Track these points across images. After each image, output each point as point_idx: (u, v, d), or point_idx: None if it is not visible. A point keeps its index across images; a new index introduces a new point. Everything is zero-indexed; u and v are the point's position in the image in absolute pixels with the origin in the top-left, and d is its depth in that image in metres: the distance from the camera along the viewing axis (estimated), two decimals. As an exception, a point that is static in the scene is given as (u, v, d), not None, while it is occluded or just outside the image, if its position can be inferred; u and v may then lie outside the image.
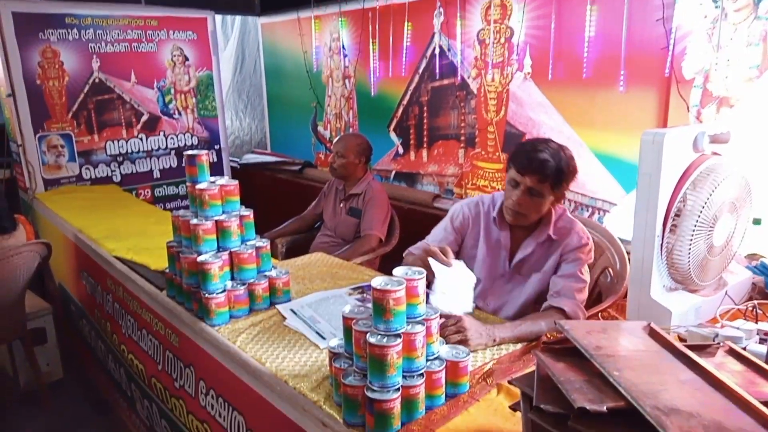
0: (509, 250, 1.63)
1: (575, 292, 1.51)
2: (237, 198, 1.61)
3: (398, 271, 1.09)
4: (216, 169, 4.01)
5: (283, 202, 3.69)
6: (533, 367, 0.85)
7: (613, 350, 0.77)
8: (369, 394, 1.01)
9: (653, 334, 0.85)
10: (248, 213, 1.62)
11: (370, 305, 1.02)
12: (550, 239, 1.59)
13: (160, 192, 3.73)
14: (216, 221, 1.55)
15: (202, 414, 1.53)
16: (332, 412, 1.09)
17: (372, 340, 1.02)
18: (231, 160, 4.38)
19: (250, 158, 4.41)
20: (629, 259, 1.38)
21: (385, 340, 1.01)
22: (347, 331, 1.11)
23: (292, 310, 1.59)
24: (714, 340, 1.09)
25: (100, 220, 2.66)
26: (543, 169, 1.48)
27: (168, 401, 1.74)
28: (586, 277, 1.56)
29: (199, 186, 1.57)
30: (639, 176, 1.25)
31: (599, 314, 1.54)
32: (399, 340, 1.02)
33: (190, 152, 1.61)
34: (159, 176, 3.71)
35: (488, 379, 1.19)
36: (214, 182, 1.59)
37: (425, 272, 1.08)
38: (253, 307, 1.59)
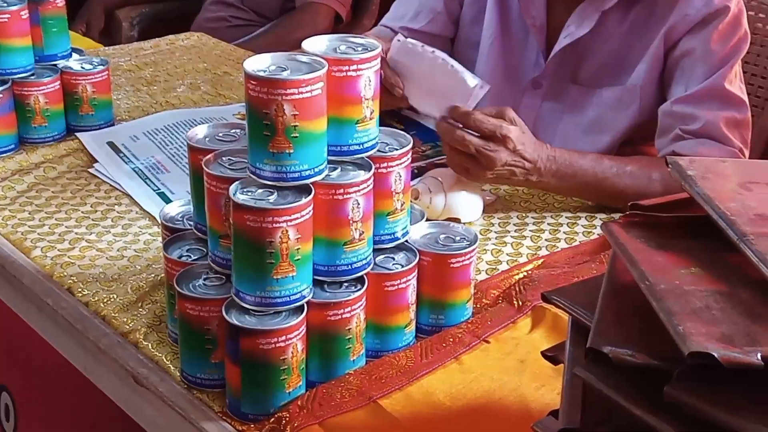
0: (545, 30, 1.67)
1: (725, 126, 1.53)
2: None
3: (315, 43, 1.06)
4: None
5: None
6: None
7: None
8: (232, 317, 0.97)
9: None
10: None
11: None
12: (632, 1, 1.60)
13: None
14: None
15: None
16: (161, 358, 1.11)
17: (241, 198, 0.96)
18: None
19: None
20: None
21: (271, 197, 0.97)
22: (197, 179, 1.07)
23: (111, 145, 1.62)
24: None
25: None
26: None
27: None
28: (740, 88, 1.57)
29: None
30: None
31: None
32: (304, 200, 0.96)
33: None
34: None
35: (517, 296, 1.22)
36: None
37: (378, 48, 1.04)
38: (25, 136, 1.63)
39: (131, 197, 1.44)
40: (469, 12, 1.76)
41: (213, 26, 2.62)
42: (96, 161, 1.55)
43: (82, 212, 1.41)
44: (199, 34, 2.22)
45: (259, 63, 0.98)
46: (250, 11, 2.65)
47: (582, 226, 1.41)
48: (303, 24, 2.52)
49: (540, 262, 1.31)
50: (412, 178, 1.24)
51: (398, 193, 1.06)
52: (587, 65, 1.66)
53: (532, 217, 1.42)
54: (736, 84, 1.56)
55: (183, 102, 1.81)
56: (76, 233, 1.35)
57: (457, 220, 1.32)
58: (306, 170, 0.97)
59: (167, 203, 1.39)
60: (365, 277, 1.04)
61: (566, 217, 1.42)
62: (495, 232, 1.37)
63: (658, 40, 1.59)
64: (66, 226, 1.37)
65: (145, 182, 1.48)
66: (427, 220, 1.19)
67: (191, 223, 1.12)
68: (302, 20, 2.53)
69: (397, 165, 1.06)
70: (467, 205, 1.37)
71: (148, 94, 1.83)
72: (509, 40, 1.72)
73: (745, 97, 1.58)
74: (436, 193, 1.35)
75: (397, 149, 1.06)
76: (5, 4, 1.53)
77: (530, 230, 1.39)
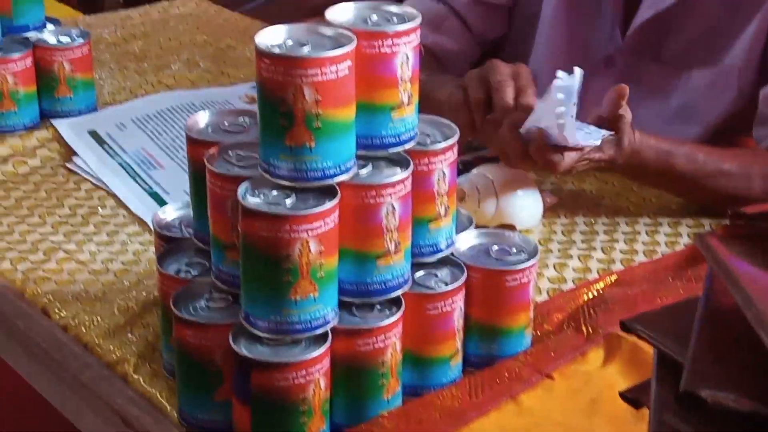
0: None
1: None
2: None
3: (342, 11, 1.04)
4: None
5: None
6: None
7: None
8: (241, 347, 0.98)
9: None
10: None
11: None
12: None
13: None
14: None
15: None
16: (154, 395, 1.11)
17: (251, 201, 0.96)
18: None
19: None
20: None
21: (289, 201, 0.97)
22: (196, 178, 1.08)
23: (94, 135, 1.64)
24: None
25: None
26: None
27: None
28: None
29: None
30: None
31: None
32: (329, 204, 0.96)
33: None
34: None
35: (587, 322, 1.21)
36: None
37: (418, 18, 1.03)
38: None
39: (118, 198, 1.45)
40: None
41: None
42: (75, 154, 1.55)
43: (60, 216, 1.41)
44: None
45: (274, 37, 0.98)
46: None
47: (664, 234, 1.41)
48: None
49: (613, 279, 1.31)
50: (458, 176, 1.23)
51: (442, 195, 1.06)
52: (673, 41, 1.65)
53: (603, 224, 1.43)
54: None
55: (179, 82, 1.82)
56: (52, 242, 1.35)
57: (511, 227, 1.33)
58: (330, 168, 0.97)
59: (161, 205, 1.40)
60: (402, 297, 1.04)
61: (645, 224, 1.43)
62: (558, 242, 1.38)
63: (762, 13, 1.59)
64: (40, 233, 1.37)
65: (135, 180, 1.49)
66: (476, 227, 1.20)
67: (190, 231, 1.12)
68: None
69: (441, 161, 1.06)
70: (524, 208, 1.38)
71: (136, 72, 1.84)
72: (577, 9, 1.72)
73: None
74: (486, 194, 1.36)
75: (440, 141, 1.06)
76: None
77: (601, 240, 1.39)
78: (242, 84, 1.77)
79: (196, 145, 1.07)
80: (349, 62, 0.95)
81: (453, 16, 1.74)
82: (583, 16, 1.71)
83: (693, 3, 1.62)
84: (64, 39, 1.64)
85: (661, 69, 1.68)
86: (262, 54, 0.95)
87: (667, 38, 1.66)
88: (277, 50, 0.95)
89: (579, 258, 1.35)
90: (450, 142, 1.06)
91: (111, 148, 1.57)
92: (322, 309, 0.97)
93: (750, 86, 1.61)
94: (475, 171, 1.39)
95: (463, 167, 1.40)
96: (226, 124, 1.11)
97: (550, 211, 1.42)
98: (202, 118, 1.11)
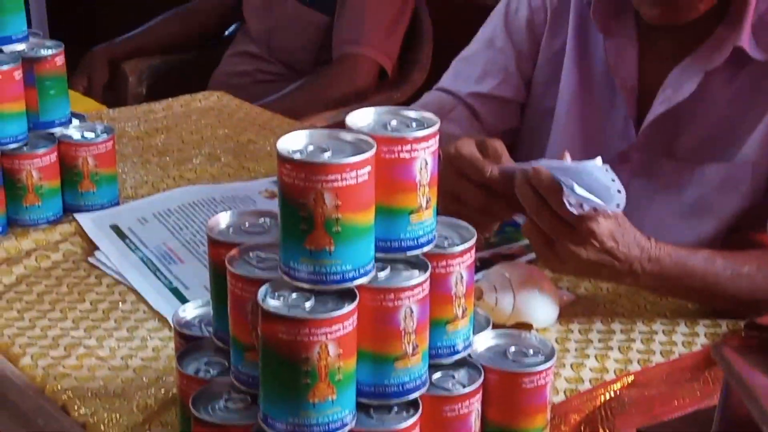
0: (636, 92, 1.67)
1: None
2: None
3: (362, 116, 1.05)
4: None
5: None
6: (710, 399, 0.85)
7: None
8: None
9: None
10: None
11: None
12: (744, 59, 1.60)
13: None
14: None
15: None
16: None
17: (272, 304, 0.95)
18: None
19: None
20: None
21: (308, 304, 0.96)
22: (218, 279, 1.07)
23: (116, 229, 1.63)
24: None
25: None
26: None
27: None
28: None
29: None
30: None
31: None
32: (347, 308, 0.95)
33: None
34: None
35: (604, 423, 1.21)
36: None
37: (436, 123, 1.04)
38: (15, 217, 1.64)
39: (138, 293, 1.44)
40: (543, 72, 1.78)
41: (235, 82, 2.69)
42: (97, 248, 1.55)
43: (81, 311, 1.40)
44: (220, 93, 2.27)
45: (295, 142, 0.98)
46: (279, 64, 2.70)
47: (681, 334, 1.39)
48: (341, 79, 2.57)
49: (631, 379, 1.29)
50: (475, 272, 1.23)
51: (459, 297, 1.05)
52: (687, 136, 1.66)
53: (620, 323, 1.41)
54: None
55: (200, 176, 1.82)
56: (72, 337, 1.34)
57: (528, 327, 1.32)
58: (349, 271, 0.96)
59: (181, 301, 1.41)
60: (419, 400, 1.02)
61: (661, 323, 1.41)
62: (575, 341, 1.36)
63: None
64: (61, 328, 1.36)
65: (155, 275, 1.48)
66: (493, 326, 1.19)
67: (210, 329, 1.12)
68: (340, 75, 2.58)
69: (459, 264, 1.05)
70: (541, 306, 1.37)
71: (158, 166, 1.85)
72: (591, 105, 1.73)
73: None
74: (503, 292, 1.34)
75: (458, 244, 1.05)
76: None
77: (618, 339, 1.37)
78: (263, 179, 1.76)
79: (217, 246, 1.07)
80: (369, 168, 0.95)
81: (462, 106, 1.76)
82: (597, 112, 1.73)
83: (705, 99, 1.62)
84: (89, 134, 1.63)
85: (675, 165, 1.68)
86: (283, 159, 0.94)
87: (680, 134, 1.66)
88: (298, 156, 0.95)
89: (596, 357, 1.33)
90: (468, 245, 1.05)
91: (132, 242, 1.57)
92: (340, 412, 0.96)
93: (764, 182, 1.61)
94: (493, 268, 1.38)
95: (480, 264, 1.40)
96: (247, 224, 1.10)
97: (566, 309, 1.40)
98: (224, 219, 1.10)
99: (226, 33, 2.87)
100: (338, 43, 2.59)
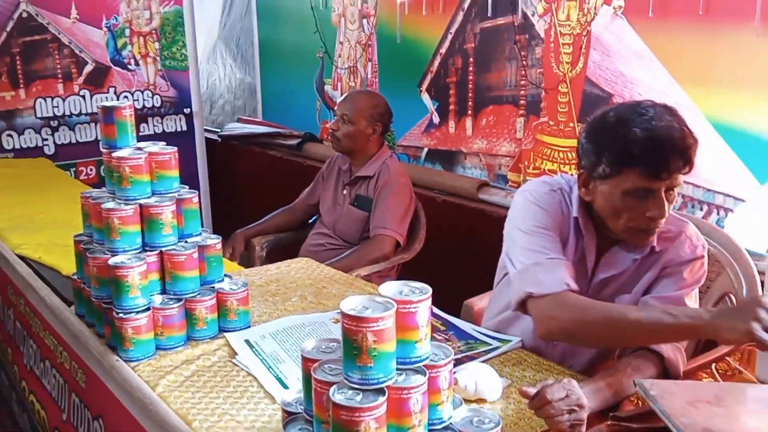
0: (592, 264, 1.53)
1: None
2: (175, 173, 1.56)
3: (388, 288, 1.03)
4: (185, 142, 3.99)
5: (277, 188, 3.63)
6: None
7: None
8: None
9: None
10: (191, 195, 1.58)
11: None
12: (651, 251, 1.49)
13: (106, 170, 3.82)
14: (140, 206, 1.51)
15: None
16: None
17: (337, 397, 0.95)
18: (208, 130, 4.43)
19: (235, 128, 4.44)
20: (763, 283, 1.34)
21: (358, 398, 0.95)
22: (307, 380, 1.06)
23: (247, 342, 1.57)
24: None
25: (13, 204, 2.62)
26: (686, 150, 1.32)
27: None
28: (694, 305, 1.48)
29: (117, 153, 1.51)
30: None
31: (712, 367, 1.48)
32: (381, 399, 0.95)
33: (106, 103, 1.55)
34: (106, 149, 3.81)
35: None
36: (142, 149, 1.55)
37: (429, 291, 1.02)
38: (191, 335, 1.57)
39: (259, 381, 1.40)
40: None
41: (314, 249, 2.64)
42: (237, 354, 1.51)
43: (227, 392, 1.37)
44: (306, 259, 2.21)
45: (351, 303, 0.99)
46: (339, 239, 2.67)
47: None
48: (375, 249, 2.51)
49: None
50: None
51: (445, 390, 1.05)
52: (614, 285, 1.51)
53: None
54: (693, 299, 1.45)
55: (296, 309, 1.76)
56: (222, 409, 1.31)
57: (483, 401, 1.29)
58: (382, 378, 0.96)
59: (284, 386, 1.36)
60: (421, 452, 1.01)
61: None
62: (511, 408, 1.30)
63: (656, 268, 1.47)
64: (216, 404, 1.32)
65: (269, 370, 1.43)
66: (463, 400, 1.15)
67: (302, 408, 1.09)
68: (374, 246, 2.51)
69: (444, 369, 1.05)
70: (492, 389, 1.33)
71: (272, 303, 1.79)
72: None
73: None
74: (470, 380, 1.32)
75: (443, 359, 1.05)
76: (182, 249, 1.54)
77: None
78: (331, 311, 1.71)
79: (307, 361, 1.06)
80: (392, 318, 0.96)
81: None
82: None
83: (630, 267, 1.46)
84: (233, 287, 1.61)
85: (606, 301, 1.46)
86: (345, 315, 0.96)
87: (613, 282, 1.48)
88: (352, 312, 0.96)
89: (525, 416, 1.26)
90: (448, 359, 1.04)
91: (256, 350, 1.52)
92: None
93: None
94: (463, 365, 1.35)
95: (456, 363, 1.37)
96: (324, 348, 1.09)
97: (506, 389, 1.35)
98: (311, 344, 1.10)
99: (310, 221, 2.86)
100: (373, 227, 2.56)
